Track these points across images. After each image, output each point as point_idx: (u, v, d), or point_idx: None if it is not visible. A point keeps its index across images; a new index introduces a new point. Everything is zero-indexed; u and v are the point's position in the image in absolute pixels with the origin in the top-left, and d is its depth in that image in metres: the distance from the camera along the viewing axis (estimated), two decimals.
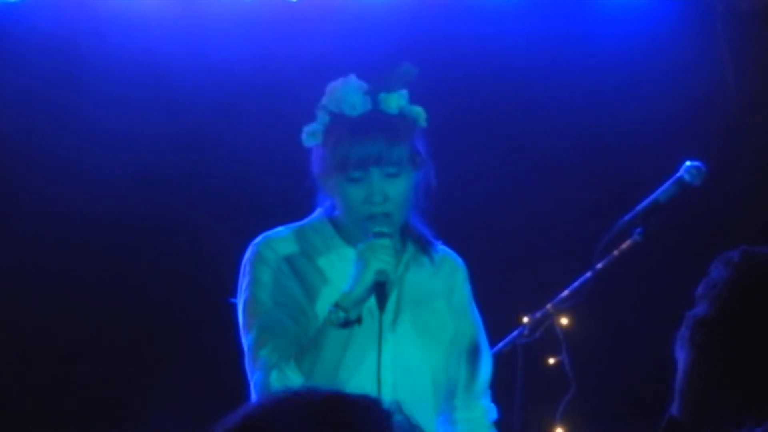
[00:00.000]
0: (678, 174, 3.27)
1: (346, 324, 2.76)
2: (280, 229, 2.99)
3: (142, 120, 4.54)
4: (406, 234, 2.98)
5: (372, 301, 2.82)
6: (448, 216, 4.66)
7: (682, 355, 1.76)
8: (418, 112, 2.96)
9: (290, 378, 2.77)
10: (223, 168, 4.60)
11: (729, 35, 4.80)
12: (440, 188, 4.50)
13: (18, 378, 4.52)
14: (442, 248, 3.08)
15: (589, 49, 4.75)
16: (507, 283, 4.40)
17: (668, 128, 4.62)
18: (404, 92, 2.94)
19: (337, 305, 2.77)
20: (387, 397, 2.83)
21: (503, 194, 4.66)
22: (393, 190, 2.84)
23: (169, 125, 4.55)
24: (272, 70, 4.56)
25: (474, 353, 3.05)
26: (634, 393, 4.42)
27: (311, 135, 2.93)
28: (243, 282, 2.94)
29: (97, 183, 4.53)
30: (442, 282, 3.04)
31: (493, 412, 3.09)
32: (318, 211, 3.01)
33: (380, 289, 2.78)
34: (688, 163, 3.28)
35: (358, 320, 2.78)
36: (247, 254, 2.95)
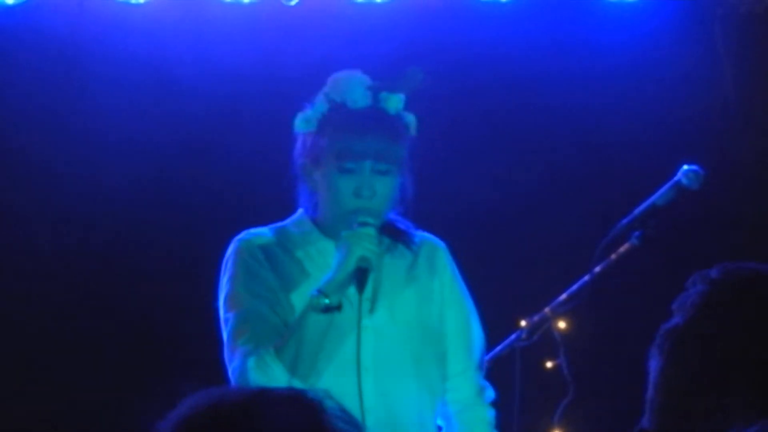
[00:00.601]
0: (676, 178, 3.28)
1: (327, 310, 2.77)
2: (261, 227, 3.02)
3: (143, 122, 4.54)
4: (381, 229, 2.98)
5: (351, 289, 2.84)
6: (447, 218, 4.67)
7: (653, 366, 1.76)
8: (411, 119, 2.99)
9: (269, 364, 2.78)
10: (225, 170, 4.61)
11: (728, 38, 4.80)
12: (440, 190, 4.51)
13: (15, 378, 4.52)
14: (420, 234, 3.08)
15: (588, 52, 4.74)
16: (505, 287, 4.40)
17: (666, 132, 4.62)
18: (402, 97, 2.95)
19: (319, 291, 2.78)
20: (369, 384, 2.85)
21: (502, 197, 4.66)
22: (381, 186, 2.86)
23: (170, 127, 4.55)
24: (274, 72, 4.56)
25: (464, 331, 3.04)
26: (632, 396, 4.41)
27: (306, 121, 2.95)
28: (223, 278, 2.96)
29: (98, 185, 4.53)
30: (424, 266, 3.04)
31: (490, 391, 3.06)
32: (299, 212, 3.03)
33: (362, 276, 2.80)
34: (685, 166, 3.29)
35: (339, 307, 2.79)
36: (228, 251, 2.98)
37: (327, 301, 2.77)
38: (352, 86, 2.91)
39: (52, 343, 4.54)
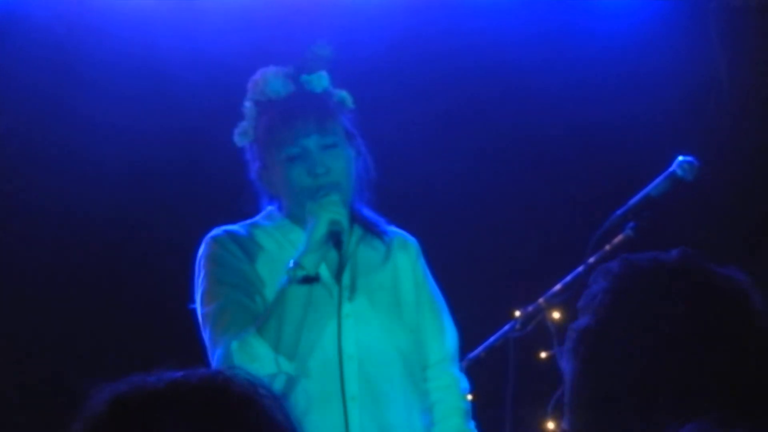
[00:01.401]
0: (670, 169, 3.28)
1: (306, 280, 2.76)
2: (231, 224, 3.01)
3: (139, 114, 4.53)
4: (352, 219, 2.98)
5: (327, 275, 2.84)
6: (440, 209, 4.66)
7: (567, 369, 1.75)
8: (343, 94, 2.98)
9: (252, 344, 2.77)
10: (220, 162, 4.60)
11: (722, 31, 4.80)
12: (434, 181, 4.51)
13: (13, 376, 4.52)
14: (392, 230, 3.08)
15: (582, 44, 4.74)
16: (499, 277, 4.40)
17: (661, 123, 4.62)
18: (324, 73, 2.95)
19: (295, 262, 2.77)
20: (352, 372, 2.85)
21: (496, 188, 4.66)
22: (333, 161, 2.86)
23: (165, 119, 4.55)
24: (268, 63, 4.56)
25: (436, 324, 3.05)
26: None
27: (243, 134, 2.97)
28: (198, 278, 2.94)
29: (94, 177, 4.53)
30: (396, 260, 3.04)
31: (464, 382, 3.07)
32: (268, 208, 3.03)
33: (336, 239, 2.79)
34: (680, 158, 3.28)
35: (317, 277, 2.78)
36: (200, 250, 2.96)
37: (304, 272, 2.76)
38: (269, 80, 2.93)
39: (45, 339, 4.54)
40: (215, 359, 2.84)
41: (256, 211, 3.04)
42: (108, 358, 4.50)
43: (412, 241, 3.10)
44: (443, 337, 3.05)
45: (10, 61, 4.55)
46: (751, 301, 1.72)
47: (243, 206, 3.04)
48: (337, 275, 2.83)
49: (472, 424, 3.03)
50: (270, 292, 2.86)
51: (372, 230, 3.01)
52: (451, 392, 3.02)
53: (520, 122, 4.73)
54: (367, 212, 3.02)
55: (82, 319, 4.54)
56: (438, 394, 3.01)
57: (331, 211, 2.79)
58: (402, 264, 3.04)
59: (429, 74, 4.55)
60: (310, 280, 2.77)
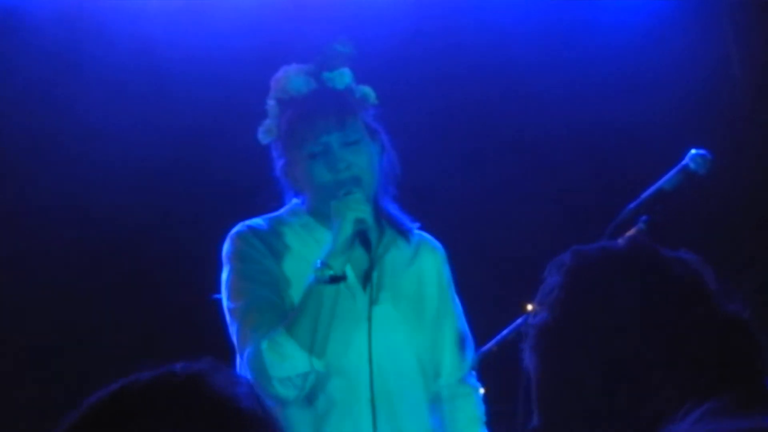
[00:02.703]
0: (683, 162, 3.27)
1: (333, 280, 2.78)
2: (254, 218, 3.01)
3: (140, 111, 4.54)
4: (381, 218, 2.98)
5: (353, 280, 2.85)
6: (453, 203, 4.66)
7: (531, 365, 1.76)
8: (367, 90, 2.99)
9: (281, 344, 2.78)
10: (223, 159, 4.60)
11: (735, 23, 4.79)
12: (446, 173, 4.50)
13: (16, 372, 4.53)
14: (419, 233, 3.08)
15: (594, 37, 4.74)
16: (511, 271, 4.39)
17: (674, 116, 4.61)
18: (347, 70, 2.95)
19: (322, 262, 2.78)
20: (375, 377, 2.85)
21: (508, 181, 4.66)
22: (355, 157, 2.87)
23: (167, 117, 4.55)
24: (272, 60, 4.55)
25: (456, 334, 3.06)
26: None
27: (267, 132, 2.99)
28: (224, 273, 2.96)
29: (94, 173, 4.53)
30: (421, 265, 3.05)
31: (479, 393, 3.09)
32: (293, 201, 3.02)
33: (362, 237, 2.80)
34: (693, 151, 3.27)
35: (344, 276, 2.79)
36: (225, 246, 2.97)
37: (331, 271, 2.77)
38: (291, 78, 2.95)
39: (45, 337, 4.54)
40: (245, 357, 2.84)
41: (280, 206, 3.04)
42: (117, 356, 4.51)
43: (439, 248, 3.12)
44: (462, 346, 3.06)
45: (10, 57, 4.55)
46: (704, 282, 1.72)
47: (266, 203, 3.05)
48: (365, 278, 2.85)
49: None
50: (295, 291, 2.87)
51: (397, 229, 3.00)
52: (469, 402, 3.05)
53: (532, 117, 4.73)
54: (393, 209, 3.02)
55: (80, 314, 4.55)
56: (455, 404, 3.03)
57: (356, 210, 2.80)
58: (428, 270, 3.06)
59: (434, 70, 4.54)
60: (338, 279, 2.78)
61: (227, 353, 3.16)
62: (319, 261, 2.79)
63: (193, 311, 4.43)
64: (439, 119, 4.61)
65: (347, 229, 2.78)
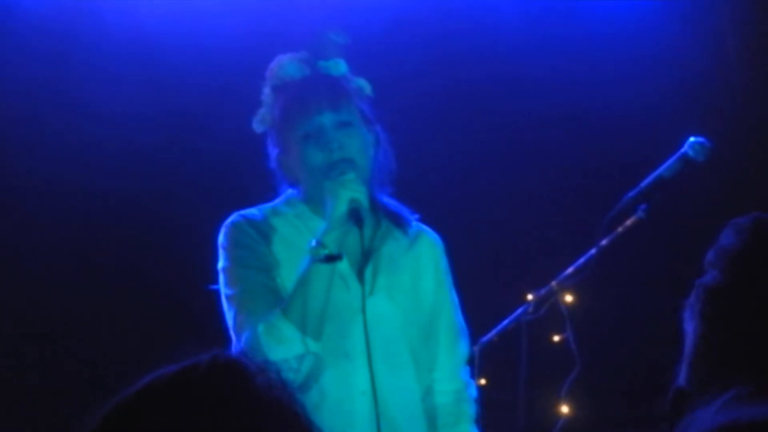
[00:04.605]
0: (682, 150, 3.27)
1: (328, 259, 2.76)
2: (249, 208, 3.01)
3: (136, 100, 4.53)
4: (377, 209, 2.98)
5: (348, 271, 2.84)
6: (452, 192, 4.65)
7: (691, 326, 1.71)
8: (362, 82, 2.99)
9: (278, 327, 2.77)
10: (219, 151, 4.60)
11: (733, 10, 4.78)
12: (445, 166, 4.49)
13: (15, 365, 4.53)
14: (417, 224, 3.07)
15: (592, 24, 4.73)
16: (511, 261, 4.40)
17: (672, 104, 4.61)
18: (341, 61, 2.96)
19: (317, 242, 2.77)
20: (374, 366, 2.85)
21: (508, 171, 4.65)
22: (348, 139, 2.86)
23: (162, 103, 4.54)
24: (265, 47, 4.55)
25: (452, 328, 3.05)
26: (639, 370, 4.42)
27: (261, 120, 2.99)
28: (220, 262, 2.95)
29: (89, 160, 4.53)
30: (418, 257, 3.04)
31: (472, 388, 3.07)
32: (288, 191, 3.03)
33: (356, 216, 2.78)
34: (692, 138, 3.27)
35: (340, 256, 2.77)
36: (220, 235, 2.97)
37: (326, 250, 2.76)
38: (284, 65, 2.95)
39: (45, 328, 4.54)
40: (242, 342, 2.83)
41: (275, 197, 3.05)
42: (108, 345, 4.51)
43: (437, 240, 3.10)
44: (457, 341, 3.05)
45: (7, 48, 4.54)
46: None
47: (262, 193, 3.05)
48: (360, 269, 2.84)
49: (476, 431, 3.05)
50: (288, 279, 2.86)
51: (394, 220, 3.01)
52: (461, 398, 3.03)
53: (530, 107, 4.72)
54: (390, 202, 3.02)
55: (78, 304, 4.55)
56: (448, 398, 3.01)
57: (350, 189, 2.78)
58: (425, 262, 3.04)
59: (428, 58, 4.53)
60: (333, 258, 2.76)
61: (223, 343, 3.17)
62: (314, 240, 2.78)
63: (189, 301, 4.44)
64: (432, 108, 4.61)
65: (341, 206, 2.77)
